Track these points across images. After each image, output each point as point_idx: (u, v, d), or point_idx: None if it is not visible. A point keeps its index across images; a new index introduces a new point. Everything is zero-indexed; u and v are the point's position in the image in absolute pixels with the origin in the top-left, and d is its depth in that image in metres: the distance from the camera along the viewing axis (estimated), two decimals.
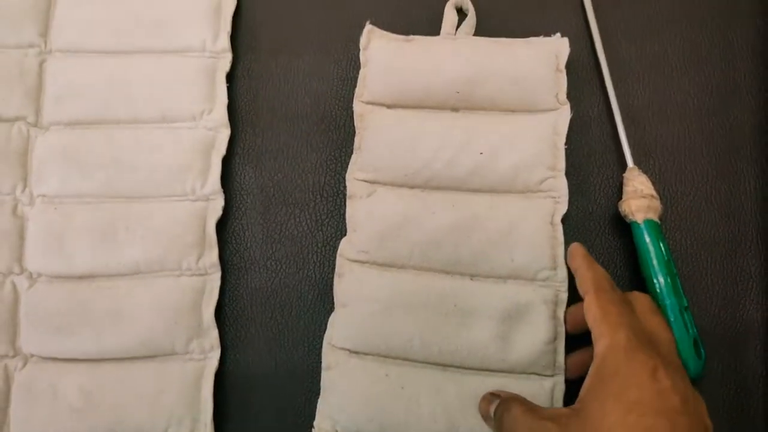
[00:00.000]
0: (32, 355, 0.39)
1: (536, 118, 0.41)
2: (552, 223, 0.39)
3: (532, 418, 0.32)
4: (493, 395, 0.36)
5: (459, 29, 0.43)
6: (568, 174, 0.40)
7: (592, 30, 0.44)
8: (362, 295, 0.39)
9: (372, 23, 0.43)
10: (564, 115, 0.41)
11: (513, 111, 0.41)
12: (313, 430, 0.38)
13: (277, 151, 0.43)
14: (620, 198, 0.40)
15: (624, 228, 0.41)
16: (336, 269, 0.40)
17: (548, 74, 0.41)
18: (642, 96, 0.43)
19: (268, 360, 0.40)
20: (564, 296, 0.38)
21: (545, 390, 0.37)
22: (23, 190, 0.41)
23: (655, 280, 0.38)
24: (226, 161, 0.42)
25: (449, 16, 0.44)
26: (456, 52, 0.42)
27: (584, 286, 0.35)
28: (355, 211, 0.40)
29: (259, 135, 0.43)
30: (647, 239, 0.38)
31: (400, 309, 0.38)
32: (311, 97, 0.44)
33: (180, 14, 0.44)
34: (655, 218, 0.39)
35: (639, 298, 0.35)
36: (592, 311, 0.33)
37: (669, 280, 0.37)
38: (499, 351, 0.37)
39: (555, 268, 0.38)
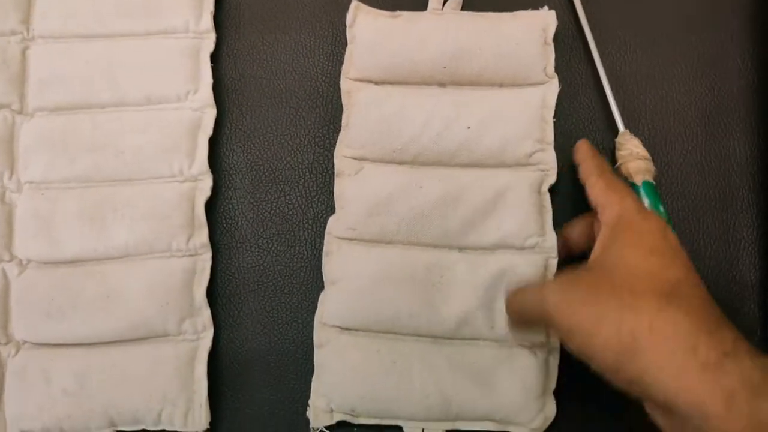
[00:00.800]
0: (24, 342, 0.39)
1: (524, 91, 0.41)
2: (540, 192, 0.39)
3: (544, 282, 0.35)
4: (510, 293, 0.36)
5: (446, 4, 0.43)
6: (557, 144, 0.40)
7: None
8: (351, 272, 0.39)
9: None
10: (552, 88, 0.40)
11: (501, 85, 0.41)
12: (308, 408, 0.37)
13: (265, 129, 0.43)
14: (613, 164, 0.40)
15: None
16: (324, 247, 0.39)
17: (536, 48, 0.41)
18: (629, 62, 0.43)
19: (261, 338, 0.40)
20: (554, 262, 0.38)
21: (538, 359, 0.37)
22: (10, 177, 0.41)
23: None
24: (214, 141, 0.42)
25: None
26: (443, 28, 0.41)
27: (587, 171, 0.37)
28: (343, 188, 0.40)
29: (246, 114, 0.43)
30: (647, 201, 0.38)
31: (388, 284, 0.38)
32: (298, 74, 0.43)
33: None
34: (651, 180, 0.39)
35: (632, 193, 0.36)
36: (598, 186, 0.35)
37: None
38: (488, 319, 0.37)
39: (543, 235, 0.38)
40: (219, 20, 0.44)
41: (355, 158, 0.41)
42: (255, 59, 0.44)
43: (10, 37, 0.43)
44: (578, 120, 0.42)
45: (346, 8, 0.42)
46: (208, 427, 0.37)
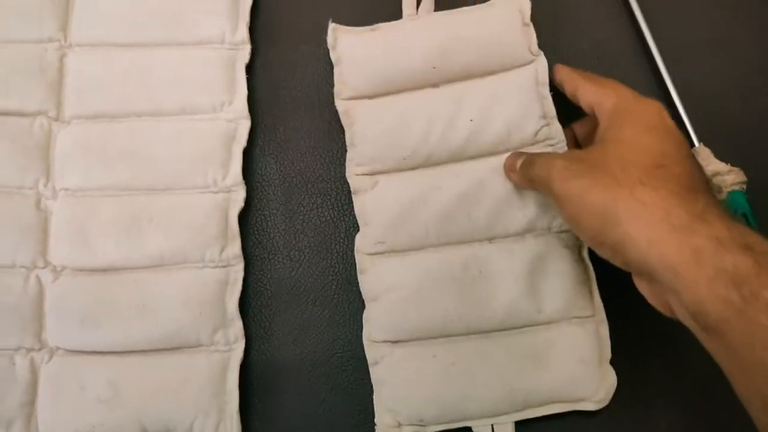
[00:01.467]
0: (58, 348, 0.39)
1: (515, 73, 0.41)
2: None
3: (553, 155, 0.37)
4: (519, 153, 0.39)
5: (420, 8, 0.43)
6: None
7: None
8: (389, 285, 0.39)
9: (334, 22, 0.43)
10: (542, 64, 0.41)
11: (491, 73, 0.42)
12: (375, 427, 0.37)
13: (299, 141, 0.43)
14: None
15: None
16: (357, 266, 0.40)
17: (517, 30, 0.42)
18: (698, 75, 0.43)
19: (292, 350, 0.40)
20: None
21: (589, 332, 0.38)
22: (46, 184, 0.41)
23: None
24: (248, 152, 0.42)
25: None
26: (424, 30, 0.42)
27: (574, 82, 0.38)
28: (362, 205, 0.40)
29: (280, 125, 0.43)
30: (738, 211, 0.38)
31: (429, 289, 0.38)
32: (332, 86, 0.43)
33: (199, 6, 0.43)
34: (740, 189, 0.39)
35: None
36: (589, 88, 0.37)
37: None
38: (534, 304, 0.38)
39: None
40: (254, 32, 0.44)
41: (367, 174, 0.41)
42: (289, 71, 0.44)
43: (47, 44, 0.43)
44: None
45: (380, 21, 0.42)
46: None
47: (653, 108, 0.34)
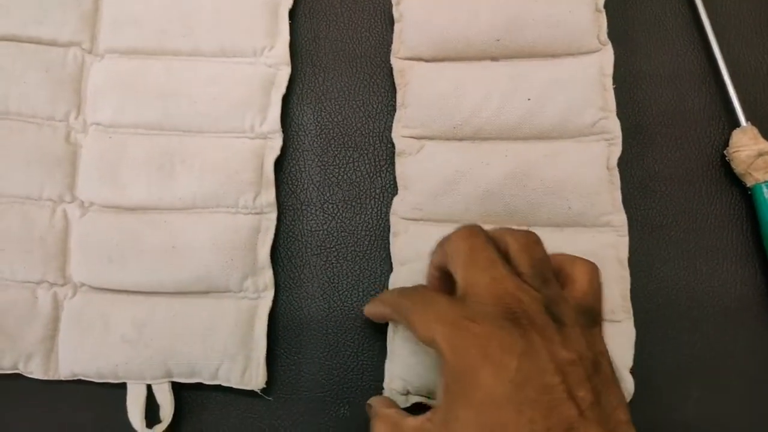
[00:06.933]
0: (83, 285, 0.39)
1: (581, 60, 0.40)
2: (608, 167, 0.39)
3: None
4: (369, 405, 0.35)
5: None
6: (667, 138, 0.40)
7: None
8: (421, 253, 0.38)
9: None
10: (608, 54, 0.40)
11: (555, 55, 0.40)
12: (383, 390, 0.37)
13: (338, 93, 0.42)
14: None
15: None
16: (391, 228, 0.39)
17: (588, 15, 0.40)
18: (749, 53, 0.42)
19: (320, 303, 0.39)
20: (624, 240, 0.38)
21: (614, 337, 0.36)
22: (77, 117, 0.40)
23: None
24: (285, 101, 0.41)
25: None
26: (493, 0, 0.41)
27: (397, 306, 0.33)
28: (405, 168, 0.40)
29: (320, 75, 0.42)
30: None
31: None
32: (375, 39, 0.42)
33: None
34: None
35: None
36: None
37: None
38: None
39: (614, 213, 0.38)
40: None
41: (414, 137, 0.40)
42: (332, 20, 0.43)
43: None
44: (693, 113, 0.42)
45: None
46: (264, 386, 0.37)
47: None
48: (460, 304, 0.29)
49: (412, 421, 0.30)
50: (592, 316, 0.31)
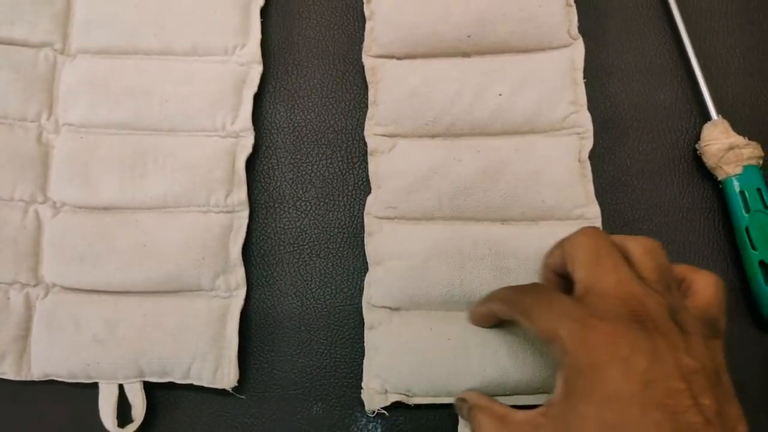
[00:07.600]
0: (54, 285, 0.39)
1: (551, 55, 0.40)
2: (580, 160, 0.39)
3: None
4: (461, 400, 0.34)
5: None
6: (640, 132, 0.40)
7: None
8: (396, 252, 0.38)
9: None
10: (579, 49, 0.40)
11: (526, 51, 0.40)
12: (361, 390, 0.37)
13: (310, 91, 0.42)
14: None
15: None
16: (365, 228, 0.39)
17: (559, 9, 0.40)
18: (720, 46, 0.42)
19: (293, 301, 0.39)
20: None
21: None
22: (48, 118, 0.40)
23: None
24: (258, 99, 0.41)
25: None
26: None
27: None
28: (377, 167, 0.40)
29: (292, 73, 0.42)
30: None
31: (435, 260, 0.37)
32: (348, 36, 0.42)
33: None
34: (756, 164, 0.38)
35: None
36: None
37: None
38: None
39: (587, 205, 0.38)
40: None
41: (386, 135, 0.40)
42: (304, 18, 0.43)
43: None
44: (664, 107, 0.42)
45: None
46: (236, 384, 0.37)
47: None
48: (584, 302, 0.29)
49: (522, 414, 0.30)
50: (714, 328, 0.30)
